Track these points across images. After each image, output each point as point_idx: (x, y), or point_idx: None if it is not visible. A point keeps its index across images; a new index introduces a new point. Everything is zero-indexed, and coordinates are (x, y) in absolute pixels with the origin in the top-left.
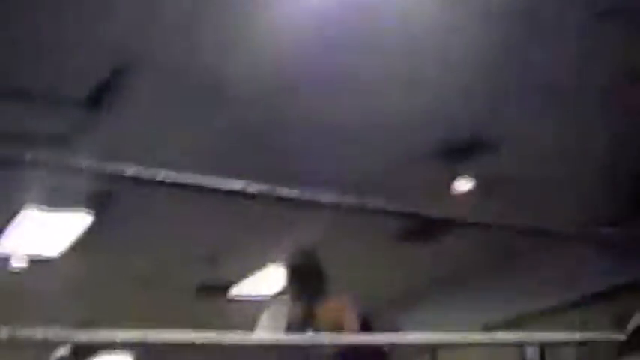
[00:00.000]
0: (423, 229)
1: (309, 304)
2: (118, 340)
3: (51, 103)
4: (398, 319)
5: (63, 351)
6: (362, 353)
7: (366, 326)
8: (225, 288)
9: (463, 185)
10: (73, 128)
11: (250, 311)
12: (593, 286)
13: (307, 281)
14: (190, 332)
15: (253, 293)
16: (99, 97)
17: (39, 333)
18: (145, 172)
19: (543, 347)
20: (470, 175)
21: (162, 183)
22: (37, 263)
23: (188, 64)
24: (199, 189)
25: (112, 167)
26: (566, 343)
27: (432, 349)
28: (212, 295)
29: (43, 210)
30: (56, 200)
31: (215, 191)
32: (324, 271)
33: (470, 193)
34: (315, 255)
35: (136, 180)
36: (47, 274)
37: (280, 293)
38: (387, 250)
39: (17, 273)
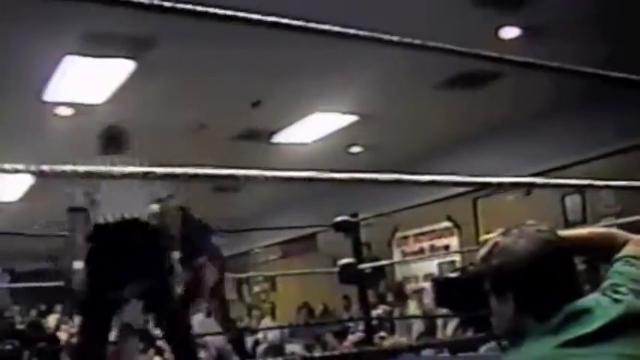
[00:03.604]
0: (468, 76)
1: None
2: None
3: None
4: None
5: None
6: None
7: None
8: (269, 134)
9: (509, 32)
10: None
11: (292, 157)
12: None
13: None
14: (233, 169)
15: (295, 140)
16: None
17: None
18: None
19: (584, 195)
20: (516, 23)
21: (205, 14)
22: (82, 110)
23: None
24: (245, 20)
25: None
26: (607, 191)
27: (473, 198)
28: (255, 140)
29: (85, 57)
30: (99, 47)
31: (261, 23)
32: None
33: (516, 40)
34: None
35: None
36: (92, 121)
37: None
38: (432, 97)
39: (63, 119)
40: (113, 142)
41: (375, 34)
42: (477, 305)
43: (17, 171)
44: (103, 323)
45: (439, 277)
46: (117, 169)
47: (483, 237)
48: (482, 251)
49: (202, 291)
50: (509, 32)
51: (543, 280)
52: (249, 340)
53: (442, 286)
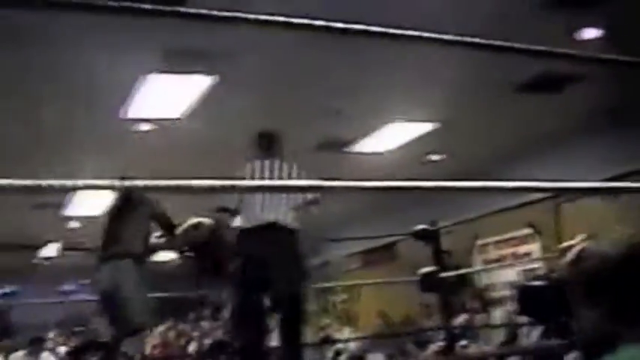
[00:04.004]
0: (546, 79)
1: None
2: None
3: None
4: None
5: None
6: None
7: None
8: (347, 144)
9: (589, 34)
10: None
11: (370, 166)
12: None
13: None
14: (313, 180)
15: (373, 149)
16: None
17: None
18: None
19: None
20: (596, 24)
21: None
22: (162, 125)
23: None
24: (323, 28)
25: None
26: None
27: (556, 204)
28: (333, 150)
29: (164, 73)
30: (179, 63)
31: (342, 30)
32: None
33: (596, 41)
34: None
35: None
36: (172, 136)
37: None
38: (509, 101)
39: (144, 134)
40: (265, 147)
41: (460, 38)
42: (562, 312)
43: (100, 187)
44: (257, 322)
45: (521, 284)
46: (187, 182)
47: (564, 244)
48: (569, 257)
49: None
50: (587, 33)
51: (634, 285)
52: (330, 351)
53: (525, 294)
